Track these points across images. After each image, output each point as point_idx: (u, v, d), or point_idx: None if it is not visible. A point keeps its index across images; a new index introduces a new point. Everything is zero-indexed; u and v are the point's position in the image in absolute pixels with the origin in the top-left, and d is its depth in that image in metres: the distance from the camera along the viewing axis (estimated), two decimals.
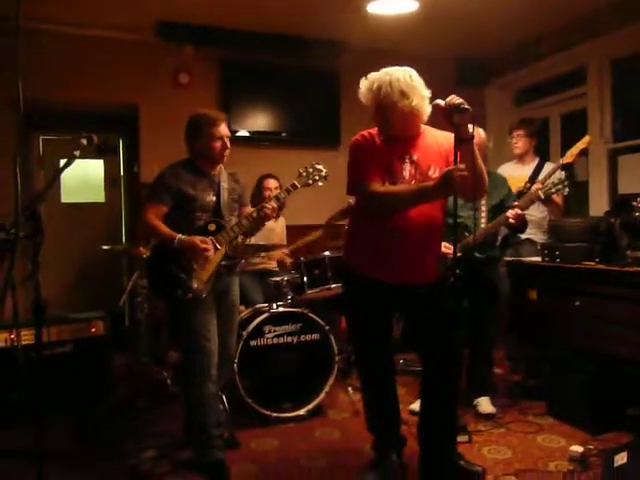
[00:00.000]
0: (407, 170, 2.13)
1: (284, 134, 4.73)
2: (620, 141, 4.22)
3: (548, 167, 3.51)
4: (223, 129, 2.44)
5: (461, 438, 2.52)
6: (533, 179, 3.46)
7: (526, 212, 3.50)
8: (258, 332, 2.98)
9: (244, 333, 2.92)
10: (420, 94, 2.06)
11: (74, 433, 2.82)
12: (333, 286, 3.30)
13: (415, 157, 2.14)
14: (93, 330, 3.30)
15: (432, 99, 2.07)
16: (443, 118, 1.99)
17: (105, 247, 3.55)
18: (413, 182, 2.12)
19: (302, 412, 3.00)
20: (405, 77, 2.05)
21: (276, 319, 3.03)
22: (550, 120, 4.89)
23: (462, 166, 1.93)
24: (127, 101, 4.35)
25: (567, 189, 2.86)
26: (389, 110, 2.06)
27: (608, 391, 2.70)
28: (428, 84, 2.11)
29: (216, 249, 2.43)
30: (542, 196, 2.83)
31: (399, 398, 2.42)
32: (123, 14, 3.89)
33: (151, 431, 2.85)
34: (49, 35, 3.98)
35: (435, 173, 2.12)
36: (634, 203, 2.70)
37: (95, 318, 3.35)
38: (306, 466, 2.50)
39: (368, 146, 2.15)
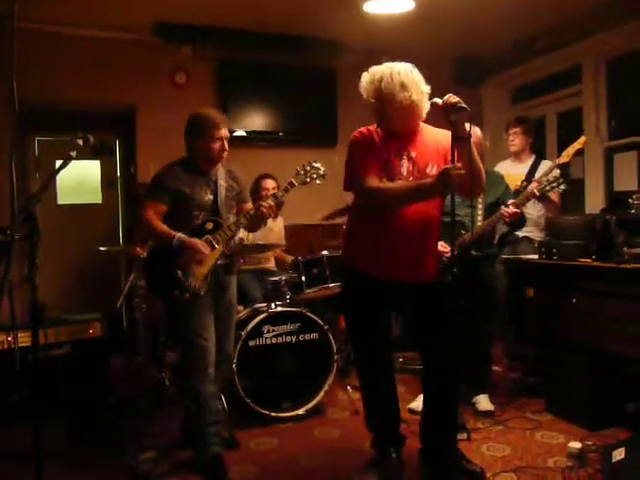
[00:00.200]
0: (405, 167, 2.13)
1: (281, 134, 4.73)
2: (615, 139, 4.24)
3: (544, 165, 3.52)
4: (223, 131, 2.44)
5: (460, 436, 2.52)
6: (529, 177, 3.47)
7: (524, 210, 3.52)
8: (257, 332, 2.98)
9: (243, 333, 2.92)
10: (420, 89, 2.07)
11: (73, 434, 2.82)
12: (331, 285, 3.30)
13: (413, 154, 2.15)
14: (91, 331, 3.29)
15: (429, 98, 2.08)
16: (440, 116, 2.00)
17: (102, 248, 3.54)
18: (411, 179, 2.12)
19: (301, 411, 3.00)
20: (406, 71, 2.06)
21: (275, 319, 3.03)
22: (546, 118, 4.91)
23: (459, 164, 1.94)
24: (124, 101, 4.34)
25: (563, 186, 2.87)
26: (388, 102, 2.06)
27: (606, 387, 2.71)
28: (426, 82, 2.12)
29: (213, 247, 2.43)
30: (537, 193, 2.84)
31: (398, 396, 2.43)
32: (120, 14, 3.89)
33: (150, 432, 2.84)
34: (45, 35, 3.97)
35: (433, 170, 2.13)
36: (629, 200, 2.71)
37: (92, 320, 3.34)
38: (305, 465, 2.50)
39: (366, 142, 2.15)
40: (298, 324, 3.07)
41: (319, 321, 3.10)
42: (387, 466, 2.32)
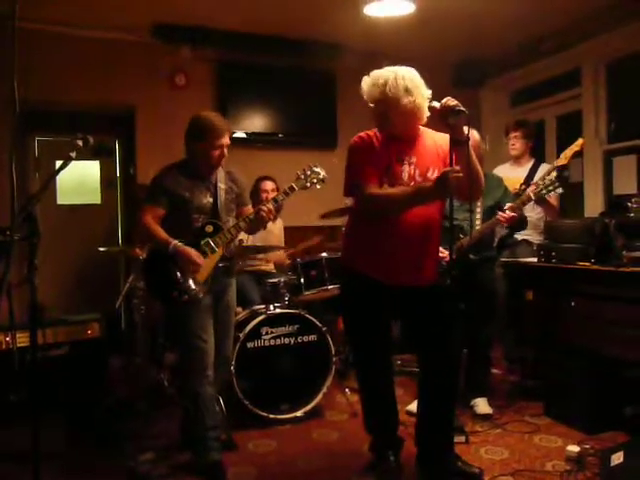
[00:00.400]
0: (406, 172, 2.14)
1: (281, 135, 4.74)
2: (615, 142, 4.24)
3: (543, 168, 3.53)
4: (225, 139, 2.42)
5: (458, 439, 2.52)
6: (528, 180, 3.47)
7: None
8: (255, 334, 2.98)
9: (241, 335, 2.91)
10: (422, 93, 2.07)
11: (71, 435, 2.82)
12: (330, 287, 3.30)
13: (414, 159, 2.15)
14: (89, 332, 3.29)
15: (429, 101, 2.08)
16: (439, 120, 2.00)
17: (102, 249, 3.55)
18: (412, 184, 2.13)
19: (299, 413, 3.00)
20: (410, 75, 2.07)
21: (273, 321, 3.03)
22: (546, 121, 4.92)
23: (457, 168, 1.94)
24: (124, 102, 4.34)
25: (559, 189, 2.88)
26: (392, 107, 2.06)
27: (604, 391, 2.71)
28: (425, 85, 2.13)
29: (213, 251, 2.43)
30: (533, 197, 2.84)
31: (396, 399, 2.42)
32: (120, 15, 3.89)
33: (148, 433, 2.84)
34: (45, 36, 3.97)
35: (434, 174, 2.13)
36: (629, 204, 2.72)
37: (91, 320, 3.34)
38: (304, 468, 2.50)
39: (366, 147, 2.15)
40: (296, 326, 3.07)
41: (317, 323, 3.10)
42: (385, 469, 2.32)
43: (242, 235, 2.81)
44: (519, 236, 3.54)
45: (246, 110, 4.61)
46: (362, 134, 2.21)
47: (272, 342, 3.02)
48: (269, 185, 3.76)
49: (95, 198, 4.97)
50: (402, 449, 2.41)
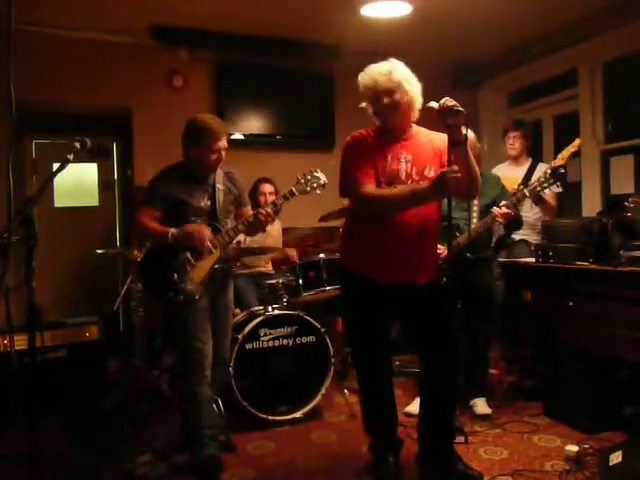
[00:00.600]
0: (403, 170, 2.13)
1: (279, 137, 4.73)
2: (612, 142, 4.25)
3: (541, 168, 3.54)
4: (222, 143, 2.41)
5: (457, 439, 2.52)
6: (526, 180, 3.48)
7: (521, 213, 3.53)
8: (253, 335, 2.98)
9: (239, 336, 2.91)
10: (417, 86, 2.10)
11: (70, 438, 2.81)
12: (328, 288, 3.30)
13: (411, 157, 2.15)
14: (87, 335, 3.28)
15: (427, 101, 2.08)
16: (437, 120, 2.00)
17: (99, 251, 3.54)
18: (409, 182, 2.13)
19: (298, 415, 2.99)
20: (404, 68, 2.10)
21: (271, 322, 3.03)
22: (543, 121, 4.93)
23: (455, 167, 1.94)
24: (121, 104, 4.34)
25: (554, 187, 2.89)
26: (387, 98, 2.06)
27: (603, 390, 2.71)
28: (423, 86, 2.14)
29: (210, 252, 2.43)
30: (528, 195, 2.85)
31: (396, 400, 2.42)
32: (117, 17, 3.88)
33: (147, 435, 2.84)
34: (43, 38, 3.97)
35: (431, 173, 2.13)
36: (626, 203, 2.72)
37: (89, 323, 3.34)
38: (303, 469, 2.49)
39: (361, 147, 2.15)
40: (295, 327, 3.07)
41: (316, 324, 3.09)
42: (385, 470, 2.32)
43: (240, 236, 2.81)
44: (517, 236, 3.54)
45: (244, 111, 4.61)
46: (356, 133, 2.20)
47: (271, 343, 3.02)
48: (267, 187, 3.75)
49: (93, 200, 4.96)
50: (401, 450, 2.41)
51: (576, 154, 3.26)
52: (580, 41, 4.19)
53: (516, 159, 3.70)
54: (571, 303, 2.79)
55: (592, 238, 2.69)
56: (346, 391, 3.29)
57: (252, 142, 4.63)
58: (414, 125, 2.21)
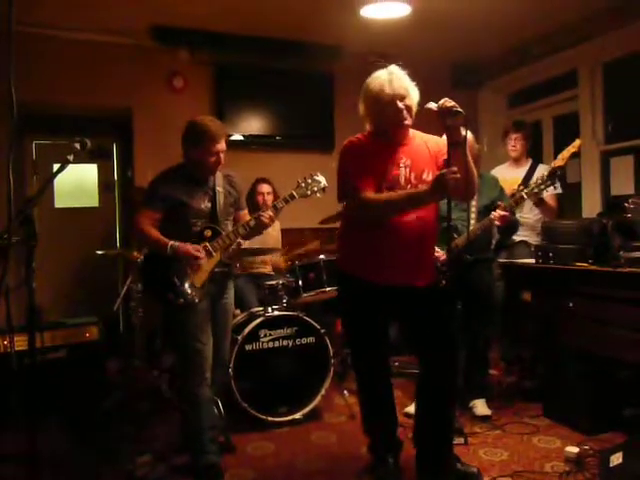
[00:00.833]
0: (402, 175, 2.14)
1: (278, 138, 4.74)
2: (612, 143, 4.25)
3: (541, 169, 3.53)
4: (221, 145, 2.41)
5: (457, 440, 2.52)
6: (526, 181, 3.47)
7: (521, 215, 3.53)
8: (253, 336, 2.98)
9: (239, 337, 2.91)
10: (417, 93, 2.12)
11: (69, 438, 2.81)
12: (328, 289, 3.30)
13: (409, 162, 2.15)
14: (87, 335, 3.28)
15: (426, 102, 2.08)
16: (436, 121, 2.00)
17: (99, 252, 3.54)
18: (409, 186, 2.13)
19: (298, 416, 2.99)
20: (404, 75, 2.11)
21: (271, 323, 3.03)
22: (543, 122, 4.93)
23: (455, 169, 1.94)
24: (121, 105, 4.34)
25: (551, 188, 2.89)
26: (388, 104, 2.07)
27: (603, 392, 2.71)
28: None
29: (210, 255, 2.43)
30: (525, 196, 2.85)
31: (395, 401, 2.42)
32: (118, 18, 3.89)
33: (146, 435, 2.84)
34: (43, 39, 3.97)
35: (429, 177, 2.14)
36: (626, 204, 2.72)
37: (89, 323, 3.34)
38: (302, 470, 2.50)
39: (360, 151, 2.15)
40: (295, 328, 3.07)
41: (316, 325, 3.09)
42: (384, 471, 2.32)
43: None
44: (517, 237, 3.54)
45: (244, 112, 4.61)
46: (353, 138, 2.20)
47: (270, 344, 3.02)
48: (265, 188, 3.76)
49: (93, 201, 4.96)
50: (401, 451, 2.40)
51: (576, 155, 3.26)
52: (580, 42, 4.19)
53: (516, 160, 3.70)
54: (571, 304, 2.79)
55: (592, 239, 2.69)
56: (346, 392, 3.29)
57: (252, 143, 4.63)
58: (410, 129, 2.21)
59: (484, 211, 2.89)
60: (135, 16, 3.90)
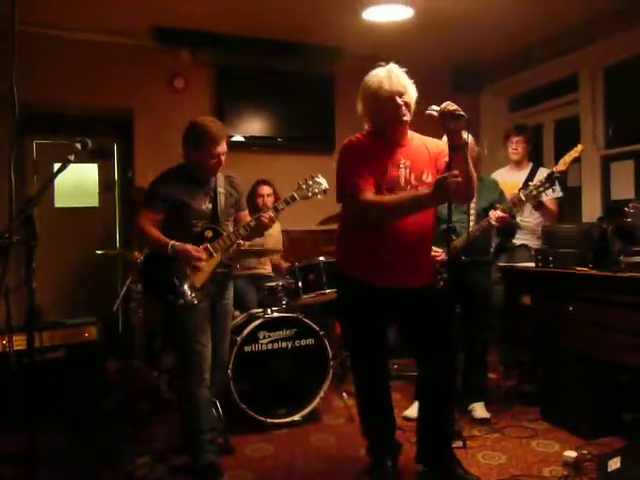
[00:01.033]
0: (403, 176, 2.13)
1: (279, 139, 4.74)
2: (612, 147, 4.26)
3: (542, 172, 3.53)
4: (221, 147, 2.41)
5: (456, 443, 2.51)
6: (527, 185, 3.47)
7: (522, 218, 3.53)
8: (253, 338, 2.98)
9: (238, 339, 2.91)
10: (414, 90, 2.12)
11: (69, 438, 2.80)
12: (328, 291, 3.29)
13: (409, 163, 2.15)
14: (87, 335, 3.28)
15: (427, 105, 2.08)
16: (438, 124, 2.00)
17: (99, 252, 3.54)
18: (409, 188, 2.13)
19: (297, 418, 2.99)
20: (402, 72, 2.12)
21: (270, 324, 3.02)
22: (544, 126, 4.94)
23: (456, 172, 1.94)
24: (122, 105, 4.34)
25: (550, 191, 2.89)
26: (400, 98, 2.07)
27: (602, 396, 2.71)
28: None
29: (211, 256, 2.43)
30: (523, 199, 2.85)
31: (394, 403, 2.42)
32: (119, 18, 3.89)
33: (146, 436, 2.83)
34: (45, 39, 3.97)
35: (428, 178, 2.14)
36: (626, 209, 2.72)
37: (89, 323, 3.33)
38: (301, 472, 2.49)
39: (360, 152, 2.14)
40: (294, 330, 3.07)
41: (315, 327, 3.09)
42: (382, 474, 2.31)
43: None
44: (518, 241, 3.55)
45: (244, 114, 4.62)
46: (353, 138, 2.19)
47: (269, 346, 3.01)
48: (266, 189, 3.76)
49: (93, 201, 4.96)
50: (400, 454, 2.40)
51: (577, 159, 3.26)
52: (581, 46, 4.19)
53: (517, 164, 3.71)
54: (571, 308, 2.79)
55: (592, 243, 2.69)
56: (344, 394, 3.28)
57: (252, 144, 4.64)
58: (408, 130, 2.21)
59: (483, 214, 2.89)
60: (136, 17, 3.91)
